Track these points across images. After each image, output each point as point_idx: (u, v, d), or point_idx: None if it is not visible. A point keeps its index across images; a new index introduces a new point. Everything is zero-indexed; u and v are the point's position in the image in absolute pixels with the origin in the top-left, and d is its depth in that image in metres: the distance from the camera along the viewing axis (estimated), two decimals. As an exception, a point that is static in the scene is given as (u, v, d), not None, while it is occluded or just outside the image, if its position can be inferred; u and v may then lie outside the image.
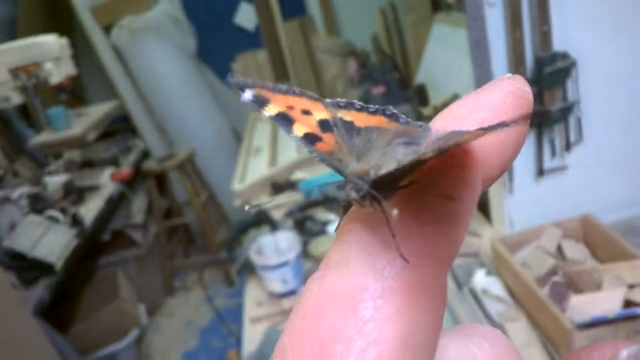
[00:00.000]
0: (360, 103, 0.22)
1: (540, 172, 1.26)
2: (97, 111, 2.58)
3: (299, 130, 0.20)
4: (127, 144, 2.68)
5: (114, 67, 2.73)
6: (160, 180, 2.61)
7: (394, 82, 1.98)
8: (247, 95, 0.20)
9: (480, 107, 0.17)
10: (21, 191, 1.95)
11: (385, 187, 0.16)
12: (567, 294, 1.03)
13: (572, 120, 1.24)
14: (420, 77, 1.84)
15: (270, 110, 0.20)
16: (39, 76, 2.34)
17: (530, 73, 1.18)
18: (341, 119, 0.21)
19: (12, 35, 2.61)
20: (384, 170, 0.17)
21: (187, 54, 2.92)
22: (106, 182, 2.32)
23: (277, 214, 1.60)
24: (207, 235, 2.58)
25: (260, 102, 0.20)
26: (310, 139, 0.20)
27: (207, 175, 2.72)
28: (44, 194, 2.02)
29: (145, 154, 2.71)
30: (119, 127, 2.80)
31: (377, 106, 0.21)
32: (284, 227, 1.46)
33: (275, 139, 2.25)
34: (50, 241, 1.78)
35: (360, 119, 0.21)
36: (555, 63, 1.16)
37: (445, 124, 0.18)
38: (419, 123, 0.20)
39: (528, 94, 0.18)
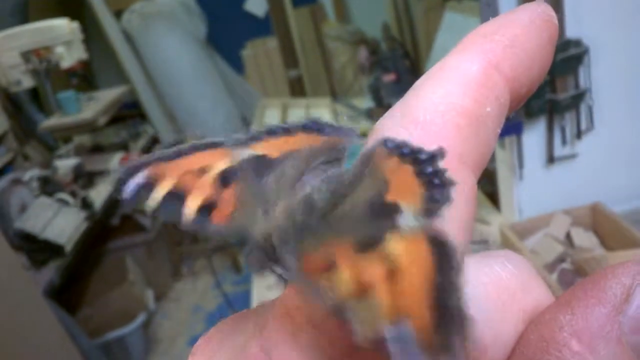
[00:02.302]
0: (279, 125, 0.18)
1: (551, 159, 1.26)
2: (108, 96, 2.59)
3: (192, 204, 0.16)
4: (136, 129, 2.69)
5: (125, 52, 2.73)
6: (170, 166, 2.62)
7: (405, 69, 1.97)
8: (130, 189, 0.17)
9: (509, 24, 0.16)
10: (32, 174, 1.97)
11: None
12: (575, 281, 1.03)
13: (583, 108, 1.24)
14: (431, 65, 1.83)
15: (156, 195, 0.16)
16: (50, 60, 2.35)
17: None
18: (250, 157, 0.17)
19: (24, 18, 2.61)
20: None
21: (198, 40, 2.93)
22: (116, 166, 2.33)
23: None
24: (215, 221, 2.58)
25: (147, 190, 0.16)
26: (205, 211, 0.16)
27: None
28: (54, 177, 2.03)
29: (155, 140, 2.72)
30: (129, 112, 2.81)
31: (297, 122, 0.18)
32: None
33: (284, 126, 2.25)
34: (61, 223, 1.79)
35: (275, 147, 0.18)
36: (568, 50, 1.16)
37: (474, 39, 0.17)
38: (345, 128, 0.18)
39: (554, 17, 0.17)
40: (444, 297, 0.12)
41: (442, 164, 0.14)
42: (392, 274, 0.13)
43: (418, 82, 0.17)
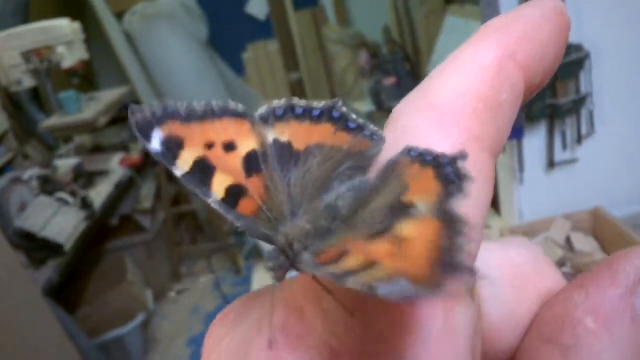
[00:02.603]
0: (303, 104, 0.18)
1: (551, 164, 1.26)
2: (109, 96, 2.59)
3: (220, 185, 0.17)
4: (137, 130, 2.69)
5: (126, 53, 2.73)
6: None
7: (406, 73, 1.98)
8: (155, 143, 0.17)
9: (522, 17, 0.17)
10: (32, 173, 1.97)
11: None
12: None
13: (584, 113, 1.24)
14: (431, 70, 1.84)
15: (183, 162, 0.17)
16: (51, 60, 2.35)
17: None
18: (275, 143, 0.18)
19: (26, 18, 2.62)
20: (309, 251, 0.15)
21: (199, 42, 2.93)
22: (116, 167, 2.33)
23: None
24: (214, 222, 2.59)
25: (173, 149, 0.17)
26: (233, 196, 0.17)
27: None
28: (54, 177, 2.03)
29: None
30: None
31: (322, 106, 0.18)
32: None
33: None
34: (60, 222, 1.79)
35: (300, 135, 0.18)
36: (569, 55, 1.16)
37: (488, 31, 0.17)
38: (371, 131, 0.18)
39: (565, 11, 0.18)
40: (449, 257, 0.12)
41: (462, 164, 0.14)
42: (399, 246, 0.13)
43: (434, 72, 0.17)
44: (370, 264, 0.13)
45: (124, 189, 2.32)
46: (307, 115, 0.18)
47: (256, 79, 3.19)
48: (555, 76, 1.19)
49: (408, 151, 0.15)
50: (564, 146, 1.26)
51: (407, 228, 0.13)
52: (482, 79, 0.16)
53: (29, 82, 2.42)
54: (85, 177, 2.14)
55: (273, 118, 0.18)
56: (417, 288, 0.11)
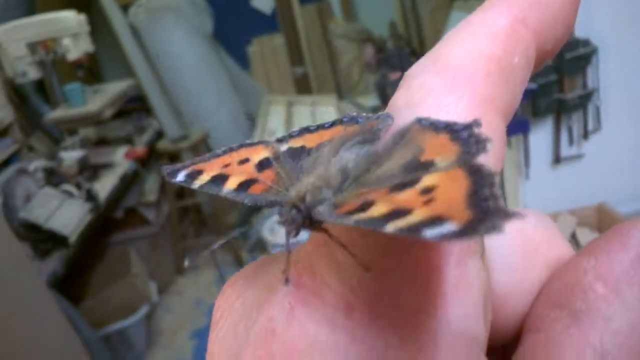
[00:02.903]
0: (316, 124, 0.20)
1: (557, 159, 1.26)
2: (114, 89, 2.59)
3: (232, 183, 0.18)
4: (141, 123, 2.69)
5: (131, 46, 2.73)
6: (174, 160, 2.62)
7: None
8: (180, 176, 0.19)
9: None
10: (37, 164, 1.97)
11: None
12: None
13: (590, 108, 1.24)
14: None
15: (202, 179, 0.18)
16: (56, 52, 2.36)
17: (551, 59, 1.18)
18: (289, 149, 0.19)
19: (31, 10, 2.62)
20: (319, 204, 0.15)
21: (204, 36, 2.93)
22: (121, 160, 2.34)
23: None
24: (218, 216, 2.59)
25: (192, 177, 0.18)
26: (243, 186, 0.18)
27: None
28: (59, 169, 2.04)
29: (160, 134, 2.72)
30: (134, 106, 2.81)
31: (334, 119, 0.20)
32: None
33: (289, 122, 2.25)
34: (65, 214, 1.80)
35: (312, 140, 0.19)
36: (577, 49, 1.16)
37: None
38: (378, 114, 0.18)
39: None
40: (484, 201, 0.12)
41: (478, 129, 0.14)
42: (431, 194, 0.13)
43: (446, 37, 0.17)
44: (402, 211, 0.13)
45: (128, 182, 2.32)
46: (319, 128, 0.20)
47: (261, 73, 3.19)
48: (562, 71, 1.19)
49: (419, 120, 0.16)
50: (570, 141, 1.26)
51: (436, 179, 0.14)
52: (495, 42, 0.16)
53: (34, 74, 2.43)
54: (90, 170, 2.14)
55: (288, 137, 0.20)
56: (460, 228, 0.11)
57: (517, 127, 1.19)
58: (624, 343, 0.14)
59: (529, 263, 0.17)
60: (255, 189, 0.17)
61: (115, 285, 2.04)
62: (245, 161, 0.19)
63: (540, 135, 1.23)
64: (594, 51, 1.18)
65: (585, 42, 1.17)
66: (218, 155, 0.19)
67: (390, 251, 0.14)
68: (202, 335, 2.19)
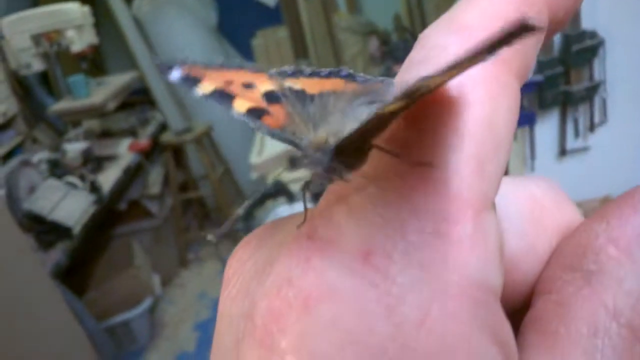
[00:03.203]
0: (311, 68, 0.19)
1: (563, 151, 1.25)
2: (117, 81, 2.60)
3: (241, 105, 0.17)
4: (145, 115, 2.69)
5: (135, 38, 2.73)
6: (177, 153, 2.62)
7: (416, 60, 1.97)
8: (175, 74, 0.18)
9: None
10: (41, 156, 1.97)
11: (351, 154, 0.15)
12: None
13: (597, 101, 1.23)
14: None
15: (204, 88, 0.17)
16: (60, 43, 2.36)
17: (557, 50, 1.17)
18: (290, 89, 0.19)
19: (35, 1, 2.62)
20: (345, 134, 0.15)
21: (208, 28, 2.92)
22: (124, 152, 2.34)
23: (294, 186, 1.61)
24: (222, 209, 2.59)
25: (190, 81, 0.18)
26: (255, 113, 0.17)
27: (223, 150, 2.73)
28: (63, 161, 2.04)
29: (163, 127, 2.72)
30: (138, 98, 2.81)
31: (329, 69, 0.19)
32: (301, 199, 1.47)
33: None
34: (69, 205, 1.80)
35: (312, 86, 0.19)
36: (584, 41, 1.15)
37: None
38: (380, 78, 0.18)
39: None
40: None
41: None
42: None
43: (460, 1, 0.17)
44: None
45: (132, 174, 2.33)
46: (315, 74, 0.19)
47: (265, 66, 3.18)
48: (569, 63, 1.18)
49: (424, 78, 0.16)
50: (576, 134, 1.25)
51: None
52: (510, 5, 0.16)
53: (38, 66, 2.43)
54: (94, 162, 2.14)
55: (284, 75, 0.19)
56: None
57: (524, 119, 1.19)
58: (635, 304, 0.14)
59: (539, 228, 0.17)
60: (268, 121, 0.17)
61: (118, 277, 2.04)
62: (250, 86, 0.18)
63: (546, 128, 1.22)
64: (600, 43, 1.17)
65: (592, 34, 1.16)
66: (215, 66, 0.18)
67: (409, 194, 0.14)
68: (205, 328, 2.20)
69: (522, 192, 0.18)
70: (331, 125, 0.16)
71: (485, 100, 0.15)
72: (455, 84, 0.15)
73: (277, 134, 0.17)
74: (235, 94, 0.18)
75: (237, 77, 0.18)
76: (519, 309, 0.17)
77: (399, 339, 0.12)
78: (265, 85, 0.18)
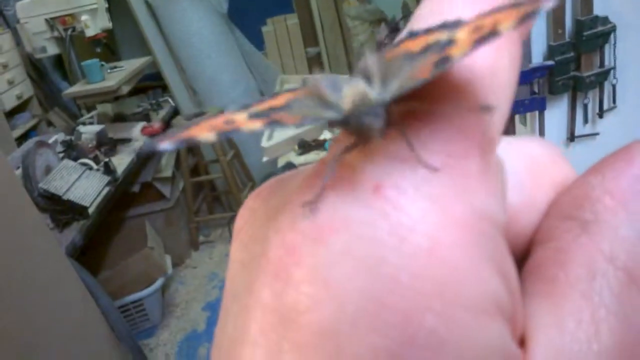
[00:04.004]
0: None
1: (572, 137, 1.27)
2: (131, 66, 2.62)
3: (249, 125, 0.16)
4: (157, 100, 2.72)
5: (147, 24, 2.75)
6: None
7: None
8: (166, 145, 0.15)
9: None
10: (56, 137, 2.00)
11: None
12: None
13: (606, 87, 1.24)
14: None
15: (205, 137, 0.16)
16: (75, 27, 2.38)
17: (569, 36, 1.19)
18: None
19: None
20: (400, 87, 0.15)
21: (219, 14, 2.94)
22: (137, 135, 2.37)
23: (306, 169, 1.63)
24: (232, 192, 2.62)
25: (184, 141, 0.16)
26: (261, 115, 0.17)
27: (233, 135, 2.75)
28: (78, 143, 2.07)
29: (176, 111, 2.75)
30: (151, 83, 2.83)
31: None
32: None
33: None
34: (85, 186, 1.83)
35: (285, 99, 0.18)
36: (595, 27, 1.17)
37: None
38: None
39: None
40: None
41: None
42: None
43: None
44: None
45: (145, 157, 2.36)
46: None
47: (275, 53, 3.19)
48: (580, 49, 1.19)
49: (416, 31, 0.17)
50: (585, 120, 1.26)
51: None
52: None
53: (52, 50, 2.45)
54: (108, 144, 2.17)
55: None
56: None
57: (534, 104, 1.20)
58: (631, 249, 0.15)
59: (537, 182, 0.18)
60: (286, 119, 0.16)
61: (132, 257, 2.08)
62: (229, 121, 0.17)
63: (556, 113, 1.24)
64: (612, 29, 1.18)
65: (604, 20, 1.17)
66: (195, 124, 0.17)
67: (419, 132, 0.15)
68: (215, 308, 2.23)
69: (520, 148, 0.19)
70: (352, 87, 0.16)
71: (488, 49, 0.15)
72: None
73: (299, 123, 0.16)
74: (234, 122, 0.17)
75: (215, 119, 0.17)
76: (519, 260, 0.17)
77: (409, 267, 0.13)
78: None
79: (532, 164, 0.18)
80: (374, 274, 0.13)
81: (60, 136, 2.04)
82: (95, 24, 2.40)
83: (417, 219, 0.13)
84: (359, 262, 0.13)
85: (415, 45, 0.16)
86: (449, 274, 0.13)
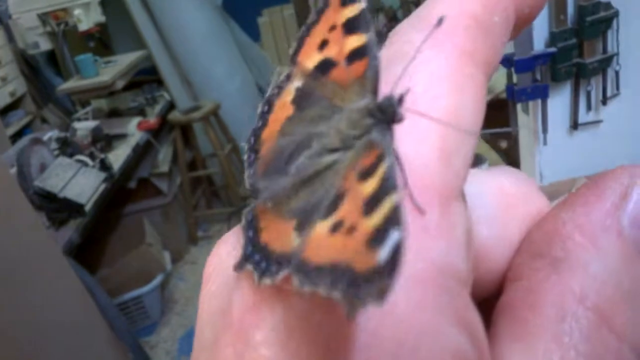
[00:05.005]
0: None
1: (575, 125, 1.25)
2: (125, 60, 2.59)
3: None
4: (153, 94, 2.69)
5: (141, 17, 2.72)
6: (186, 131, 2.62)
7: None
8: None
9: None
10: (51, 134, 1.98)
11: None
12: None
13: (610, 73, 1.22)
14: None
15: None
16: (67, 22, 2.35)
17: (571, 22, 1.16)
18: None
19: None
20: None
21: (214, 6, 2.90)
22: (133, 130, 2.34)
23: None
24: (230, 187, 2.60)
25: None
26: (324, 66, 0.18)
27: (231, 129, 2.73)
28: (73, 139, 2.05)
29: (171, 105, 2.72)
30: (146, 77, 2.81)
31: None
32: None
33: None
34: (80, 183, 1.81)
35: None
36: (597, 12, 1.14)
37: None
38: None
39: None
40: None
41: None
42: None
43: None
44: None
45: (141, 153, 2.33)
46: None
47: (271, 44, 3.16)
48: (582, 35, 1.17)
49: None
50: (588, 107, 1.24)
51: None
52: (476, 2, 0.17)
53: (45, 45, 2.43)
54: (103, 140, 2.15)
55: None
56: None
57: (536, 92, 1.18)
58: (600, 288, 0.15)
59: (509, 216, 0.18)
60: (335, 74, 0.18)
61: (130, 254, 2.06)
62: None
63: (558, 101, 1.21)
64: (614, 15, 1.16)
65: (607, 6, 1.15)
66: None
67: None
68: (216, 304, 2.23)
69: (492, 182, 0.18)
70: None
71: (449, 92, 0.15)
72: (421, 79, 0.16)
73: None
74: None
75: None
76: (491, 297, 0.17)
77: (368, 329, 0.13)
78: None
79: (504, 197, 0.18)
80: (333, 336, 0.13)
81: (54, 133, 2.02)
82: (88, 18, 2.38)
83: None
84: (318, 326, 0.13)
85: None
86: (407, 333, 0.13)
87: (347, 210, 0.14)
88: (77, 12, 2.32)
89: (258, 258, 0.15)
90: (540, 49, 1.17)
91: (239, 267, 0.15)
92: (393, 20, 2.41)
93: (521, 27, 0.18)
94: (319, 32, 0.19)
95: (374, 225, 0.13)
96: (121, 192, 2.24)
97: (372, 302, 0.11)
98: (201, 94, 2.82)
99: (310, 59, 0.19)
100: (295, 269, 0.13)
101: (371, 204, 0.13)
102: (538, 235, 0.16)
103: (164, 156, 2.49)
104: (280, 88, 0.19)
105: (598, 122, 1.26)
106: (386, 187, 0.13)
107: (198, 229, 2.67)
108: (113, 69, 2.45)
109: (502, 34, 0.17)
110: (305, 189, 0.16)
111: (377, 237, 0.12)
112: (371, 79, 0.17)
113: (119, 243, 2.15)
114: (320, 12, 0.20)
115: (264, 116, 0.19)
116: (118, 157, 2.13)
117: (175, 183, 2.53)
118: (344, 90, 0.17)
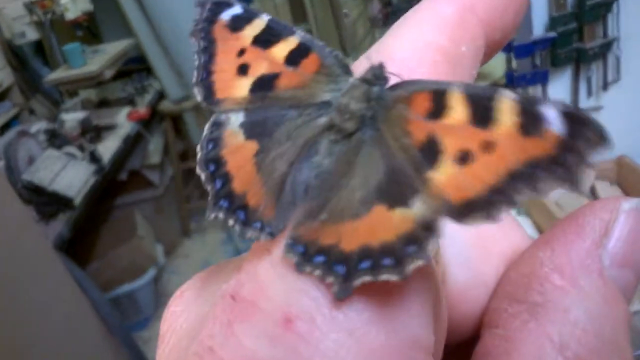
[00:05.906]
0: None
1: (575, 111, 1.23)
2: (113, 49, 2.55)
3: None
4: (142, 83, 2.65)
5: (129, 4, 2.66)
6: (177, 122, 2.58)
7: (420, 21, 1.93)
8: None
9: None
10: (39, 126, 1.94)
11: None
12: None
13: (610, 58, 1.20)
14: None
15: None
16: (54, 11, 2.31)
17: (571, 6, 1.14)
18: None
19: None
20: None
21: (204, -6, 2.86)
22: (123, 121, 2.30)
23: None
24: (223, 178, 2.57)
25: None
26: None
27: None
28: (61, 131, 2.01)
29: (161, 95, 2.68)
30: (135, 67, 2.76)
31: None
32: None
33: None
34: (70, 176, 1.77)
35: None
36: (598, -4, 1.12)
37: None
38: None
39: None
40: None
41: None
42: None
43: (394, 25, 0.17)
44: None
45: (132, 144, 2.30)
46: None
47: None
48: (583, 19, 1.15)
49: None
50: (589, 93, 1.22)
51: None
52: (441, 31, 0.16)
53: (32, 35, 2.38)
54: (92, 131, 2.11)
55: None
56: None
57: (536, 77, 1.15)
58: (582, 335, 0.14)
59: (485, 255, 0.17)
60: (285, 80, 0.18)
61: (121, 247, 2.03)
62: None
63: (559, 86, 1.19)
64: (615, -2, 1.13)
65: (607, -12, 1.12)
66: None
67: None
68: (210, 297, 2.20)
69: None
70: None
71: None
72: None
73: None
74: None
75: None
76: (469, 340, 0.17)
77: None
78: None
79: (480, 237, 0.17)
80: None
81: (42, 125, 1.98)
82: (75, 7, 2.33)
83: (331, 355, 0.12)
84: None
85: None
86: None
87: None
88: (64, 0, 2.27)
89: (339, 268, 0.14)
90: (540, 33, 1.15)
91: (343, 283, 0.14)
92: (387, 5, 2.37)
93: (494, 52, 0.18)
94: (225, 64, 0.19)
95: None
96: (111, 185, 2.21)
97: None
98: (192, 83, 2.77)
99: (237, 88, 0.18)
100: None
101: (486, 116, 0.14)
102: (515, 276, 0.16)
103: (154, 147, 2.45)
104: (216, 140, 0.18)
105: (599, 108, 1.24)
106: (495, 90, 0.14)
107: (191, 221, 2.64)
108: (101, 58, 2.41)
109: (472, 63, 0.16)
110: (344, 180, 0.15)
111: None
112: (337, 64, 0.17)
113: (110, 236, 2.12)
114: (206, 51, 0.20)
115: (220, 172, 0.18)
116: (108, 148, 2.10)
117: (167, 175, 2.50)
118: (306, 88, 0.17)
